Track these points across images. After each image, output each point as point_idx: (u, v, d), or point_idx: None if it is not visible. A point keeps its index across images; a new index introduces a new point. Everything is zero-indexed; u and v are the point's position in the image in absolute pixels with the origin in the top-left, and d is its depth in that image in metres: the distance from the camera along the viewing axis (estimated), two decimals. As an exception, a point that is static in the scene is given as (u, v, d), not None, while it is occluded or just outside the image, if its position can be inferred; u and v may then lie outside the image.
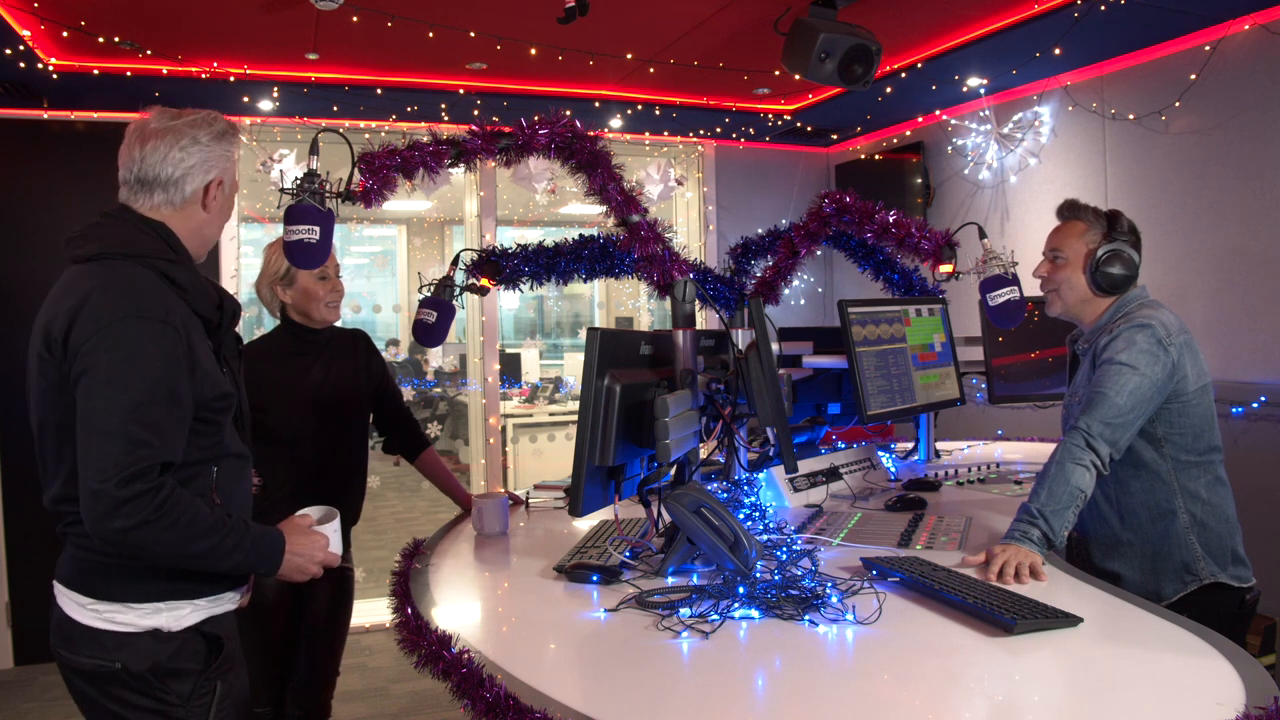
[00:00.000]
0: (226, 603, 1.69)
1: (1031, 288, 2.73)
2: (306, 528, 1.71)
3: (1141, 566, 2.11)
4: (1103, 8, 3.34)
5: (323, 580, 2.54)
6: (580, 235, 3.14)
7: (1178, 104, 3.77)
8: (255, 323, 7.38)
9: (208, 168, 1.65)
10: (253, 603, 2.42)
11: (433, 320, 2.81)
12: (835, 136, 5.58)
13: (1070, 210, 2.27)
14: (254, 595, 2.41)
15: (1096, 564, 2.20)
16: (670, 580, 1.85)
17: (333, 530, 1.75)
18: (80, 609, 1.57)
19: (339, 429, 2.54)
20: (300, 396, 2.48)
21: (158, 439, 1.46)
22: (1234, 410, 3.54)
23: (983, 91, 4.52)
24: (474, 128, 2.51)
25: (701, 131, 5.44)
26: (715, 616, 1.61)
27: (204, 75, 3.98)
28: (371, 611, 4.68)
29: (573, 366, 7.73)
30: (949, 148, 4.96)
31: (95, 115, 4.40)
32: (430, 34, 3.59)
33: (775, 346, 2.20)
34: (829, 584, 1.76)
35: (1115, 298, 2.20)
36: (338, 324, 2.63)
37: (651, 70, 4.21)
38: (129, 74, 3.95)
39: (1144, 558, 2.11)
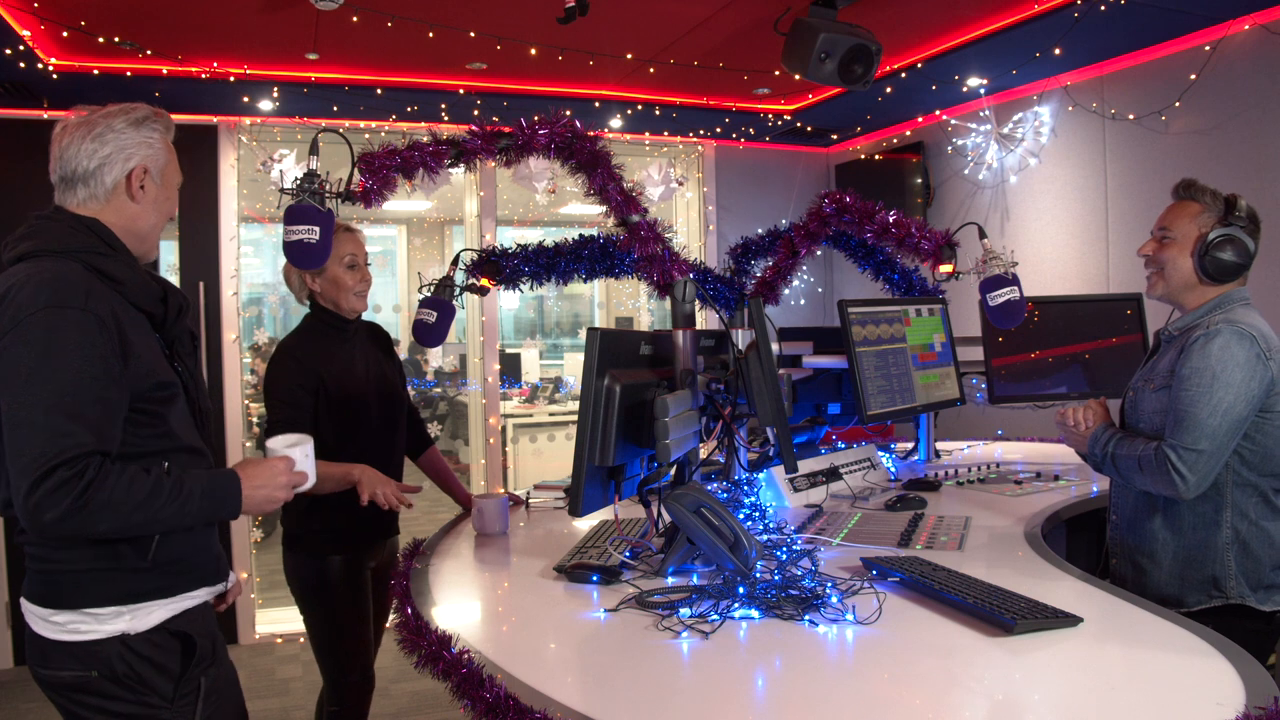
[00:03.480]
0: (198, 598, 1.66)
1: (1031, 287, 2.74)
2: (258, 460, 1.66)
3: (1170, 569, 2.02)
4: (1103, 8, 3.34)
5: (379, 563, 2.58)
6: (580, 235, 3.14)
7: (1178, 104, 3.77)
8: (255, 322, 7.38)
9: (126, 156, 1.61)
10: (334, 600, 2.41)
11: (433, 320, 2.81)
12: (835, 136, 5.58)
13: (1186, 190, 2.10)
14: (332, 595, 2.41)
15: (1126, 555, 2.12)
16: (670, 580, 1.85)
17: (302, 454, 1.70)
18: (44, 623, 1.55)
19: (389, 418, 2.57)
20: (353, 381, 2.49)
21: (82, 427, 1.42)
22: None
23: (983, 91, 4.52)
24: (474, 128, 2.51)
25: (701, 131, 5.44)
26: (715, 616, 1.61)
27: (204, 75, 3.98)
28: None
29: (573, 366, 7.73)
30: (949, 148, 4.96)
31: (95, 115, 4.39)
32: (430, 34, 3.59)
33: (775, 346, 2.20)
34: (829, 584, 1.76)
35: (1221, 289, 2.05)
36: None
37: (651, 70, 4.21)
38: (129, 74, 3.95)
39: (1175, 561, 2.02)
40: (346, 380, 2.48)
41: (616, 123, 5.06)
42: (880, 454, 3.11)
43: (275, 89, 4.22)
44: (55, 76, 3.89)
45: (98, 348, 1.47)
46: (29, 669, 1.59)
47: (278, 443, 1.71)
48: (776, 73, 4.23)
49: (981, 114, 4.72)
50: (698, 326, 2.11)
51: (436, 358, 9.38)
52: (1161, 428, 2.01)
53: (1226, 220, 2.03)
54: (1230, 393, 1.90)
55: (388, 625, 1.86)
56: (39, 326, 1.44)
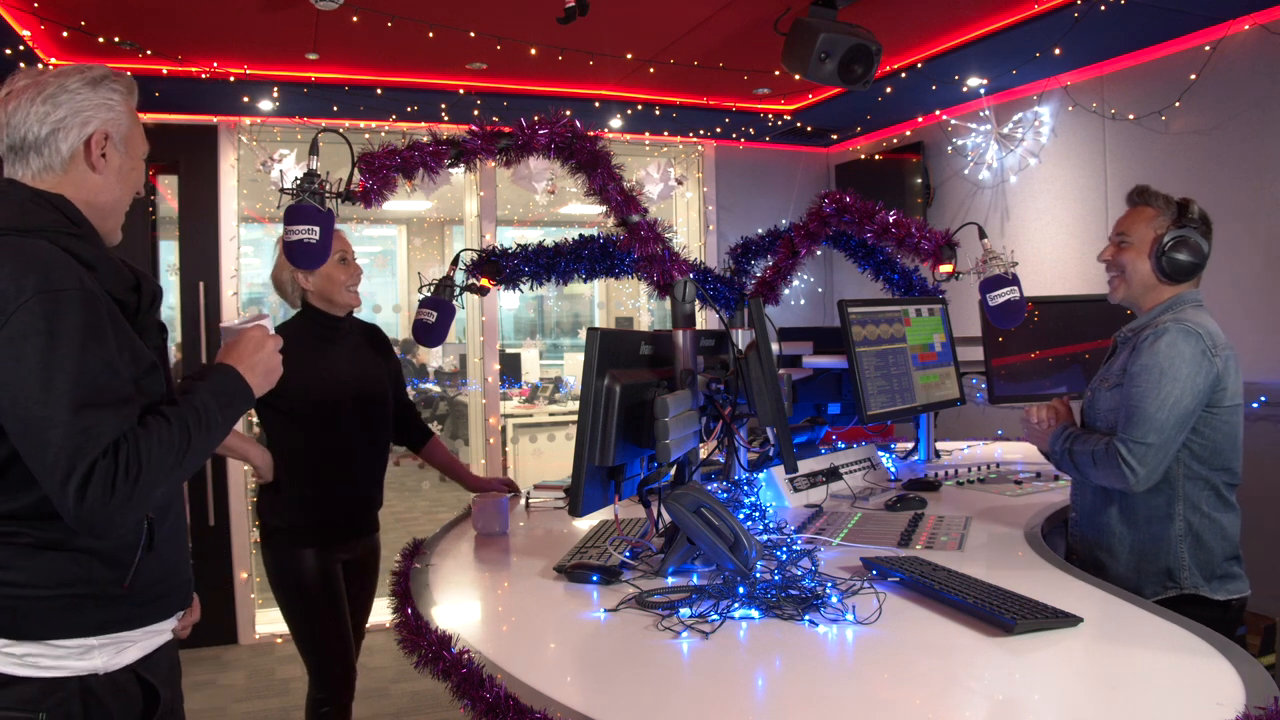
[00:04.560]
0: (165, 632, 1.53)
1: (1031, 287, 2.74)
2: (235, 341, 1.54)
3: (1127, 562, 2.11)
4: (1103, 8, 3.34)
5: (356, 560, 2.61)
6: (580, 235, 3.14)
7: (1178, 104, 3.77)
8: (255, 323, 7.37)
9: (84, 120, 1.43)
10: (308, 597, 2.43)
11: (433, 320, 2.81)
12: (835, 136, 5.58)
13: (1140, 196, 2.22)
14: (307, 592, 2.42)
15: (1086, 549, 2.20)
16: (670, 580, 1.85)
17: (270, 324, 1.59)
18: None
19: (370, 418, 2.58)
20: (333, 385, 2.50)
21: (109, 415, 1.30)
22: (1234, 410, 3.53)
23: (983, 91, 4.52)
24: (474, 128, 2.51)
25: (701, 131, 5.44)
26: (715, 616, 1.61)
27: (204, 75, 3.98)
28: (372, 611, 4.67)
29: (573, 366, 7.73)
30: (949, 148, 4.96)
31: (95, 115, 4.39)
32: (430, 34, 3.59)
33: (775, 346, 2.20)
34: (829, 584, 1.75)
35: (1177, 289, 2.15)
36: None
37: (651, 70, 4.21)
38: (129, 74, 3.95)
39: (1131, 554, 2.10)
40: (325, 378, 2.48)
41: (616, 123, 5.06)
42: (880, 454, 3.11)
43: (275, 89, 4.22)
44: (55, 76, 3.89)
45: (99, 329, 1.33)
46: None
47: (235, 322, 1.58)
48: (776, 73, 4.23)
49: (981, 114, 4.72)
50: (698, 326, 2.11)
51: (436, 358, 9.39)
52: (1115, 425, 2.09)
53: (1180, 223, 2.13)
54: (1177, 387, 1.98)
55: (389, 625, 1.85)
56: (36, 315, 1.28)
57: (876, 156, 5.44)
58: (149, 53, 3.77)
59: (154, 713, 1.49)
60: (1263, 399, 3.46)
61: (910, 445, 3.43)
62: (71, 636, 1.37)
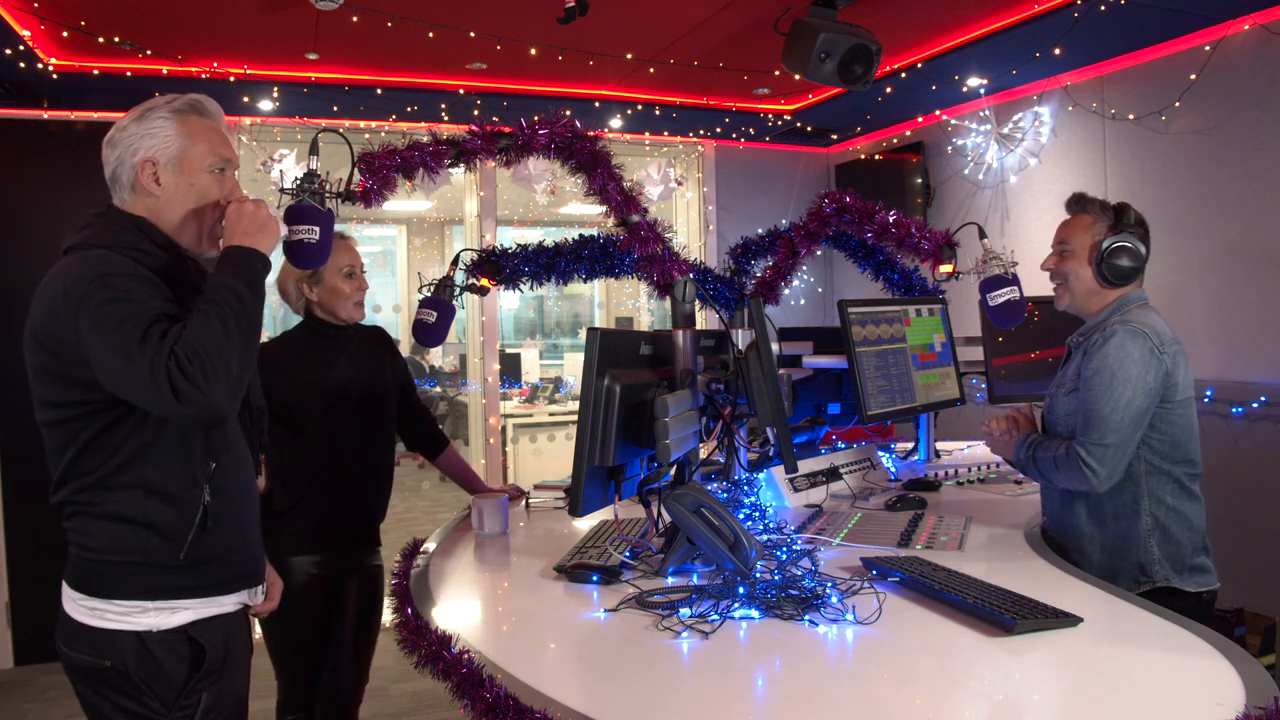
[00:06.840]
0: (227, 605, 1.69)
1: (1031, 287, 2.74)
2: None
3: (1100, 561, 2.14)
4: (1103, 8, 3.34)
5: (354, 579, 2.57)
6: (580, 235, 3.14)
7: (1178, 104, 3.77)
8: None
9: (133, 151, 1.65)
10: (283, 603, 2.43)
11: (433, 320, 2.81)
12: (835, 136, 5.58)
13: (1077, 204, 2.28)
14: (283, 597, 2.41)
15: (1058, 550, 2.20)
16: (670, 580, 1.85)
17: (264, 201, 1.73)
18: (76, 605, 1.60)
19: (368, 424, 2.54)
20: (327, 391, 2.47)
21: (157, 343, 1.46)
22: (1234, 410, 3.53)
23: (983, 91, 4.52)
24: (474, 128, 2.51)
25: (701, 131, 5.44)
26: (715, 616, 1.61)
27: (204, 75, 3.98)
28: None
29: (573, 366, 7.74)
30: (949, 148, 4.96)
31: (95, 115, 4.40)
32: (430, 34, 3.59)
33: (775, 346, 2.20)
34: (829, 584, 1.76)
35: (1121, 291, 2.20)
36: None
37: (651, 70, 4.21)
38: (129, 74, 3.95)
39: (1103, 553, 2.14)
40: (321, 385, 2.46)
41: (616, 123, 5.06)
42: (880, 454, 3.11)
43: (275, 89, 4.22)
44: (55, 76, 3.89)
45: (152, 293, 1.53)
46: (56, 647, 1.64)
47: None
48: (776, 73, 4.23)
49: (981, 114, 4.72)
50: (698, 326, 2.11)
51: (436, 358, 9.39)
52: (1074, 429, 2.13)
53: (1117, 228, 2.18)
54: (1129, 388, 2.03)
55: (388, 625, 1.86)
56: (101, 296, 1.48)
57: (876, 156, 5.44)
58: (149, 53, 3.77)
59: (200, 669, 1.64)
60: (1263, 399, 3.46)
61: (910, 445, 3.43)
62: (130, 598, 1.58)
